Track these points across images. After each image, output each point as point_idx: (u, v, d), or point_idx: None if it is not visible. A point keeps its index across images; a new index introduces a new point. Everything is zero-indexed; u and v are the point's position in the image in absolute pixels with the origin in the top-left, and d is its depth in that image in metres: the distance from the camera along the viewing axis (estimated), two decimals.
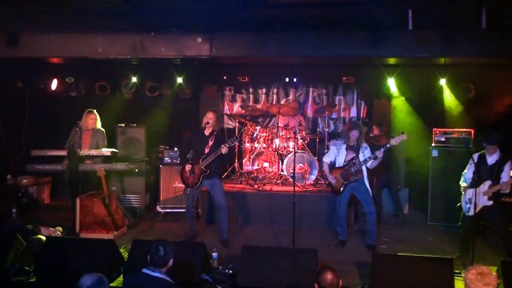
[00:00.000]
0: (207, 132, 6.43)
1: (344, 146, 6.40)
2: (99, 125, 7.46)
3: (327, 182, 6.36)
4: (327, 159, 6.56)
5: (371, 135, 8.06)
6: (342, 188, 6.36)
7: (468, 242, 5.66)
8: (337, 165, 6.43)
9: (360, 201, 6.49)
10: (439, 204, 7.54)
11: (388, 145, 6.14)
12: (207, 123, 6.36)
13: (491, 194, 5.58)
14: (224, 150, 6.17)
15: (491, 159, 5.68)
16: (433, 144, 7.69)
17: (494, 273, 3.34)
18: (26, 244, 5.69)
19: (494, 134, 5.66)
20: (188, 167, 6.39)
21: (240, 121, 8.94)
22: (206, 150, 6.37)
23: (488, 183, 5.59)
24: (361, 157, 6.25)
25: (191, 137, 6.59)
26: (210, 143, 6.38)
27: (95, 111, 7.45)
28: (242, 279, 4.96)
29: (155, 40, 6.73)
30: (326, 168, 6.55)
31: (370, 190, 6.39)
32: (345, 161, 6.34)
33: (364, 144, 6.36)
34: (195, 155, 6.45)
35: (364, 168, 6.31)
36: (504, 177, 5.56)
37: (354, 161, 6.25)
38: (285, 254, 5.22)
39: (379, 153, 6.11)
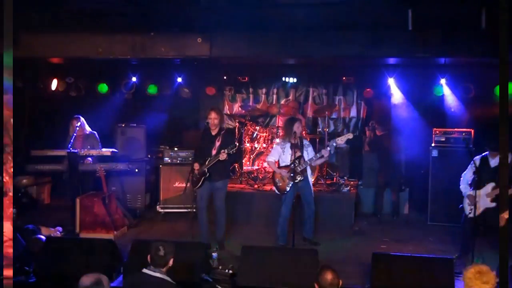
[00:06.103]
0: (213, 132, 6.16)
1: (288, 145, 6.22)
2: (88, 129, 7.38)
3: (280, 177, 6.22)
4: (271, 158, 6.39)
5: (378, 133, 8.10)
6: (288, 188, 6.19)
7: (469, 242, 5.65)
8: (282, 164, 6.30)
9: (303, 200, 6.36)
10: (439, 204, 7.53)
11: (334, 144, 6.08)
12: (208, 121, 6.12)
13: (495, 196, 5.56)
14: (222, 156, 5.90)
15: (494, 161, 5.64)
16: (433, 144, 7.68)
17: (493, 272, 3.34)
18: (26, 244, 5.69)
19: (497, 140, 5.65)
20: (196, 166, 6.17)
21: (240, 121, 8.92)
22: (214, 152, 6.07)
23: (491, 185, 5.57)
24: (306, 156, 6.17)
25: (201, 137, 6.38)
26: (217, 144, 6.08)
27: (80, 117, 7.30)
28: (242, 279, 4.95)
29: (155, 40, 6.74)
30: (274, 165, 6.37)
31: (312, 189, 6.38)
32: (291, 160, 6.14)
33: (306, 142, 6.31)
34: (201, 156, 6.19)
35: (308, 166, 6.18)
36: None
37: (300, 160, 6.12)
38: (285, 254, 5.23)
39: (325, 152, 6.06)
